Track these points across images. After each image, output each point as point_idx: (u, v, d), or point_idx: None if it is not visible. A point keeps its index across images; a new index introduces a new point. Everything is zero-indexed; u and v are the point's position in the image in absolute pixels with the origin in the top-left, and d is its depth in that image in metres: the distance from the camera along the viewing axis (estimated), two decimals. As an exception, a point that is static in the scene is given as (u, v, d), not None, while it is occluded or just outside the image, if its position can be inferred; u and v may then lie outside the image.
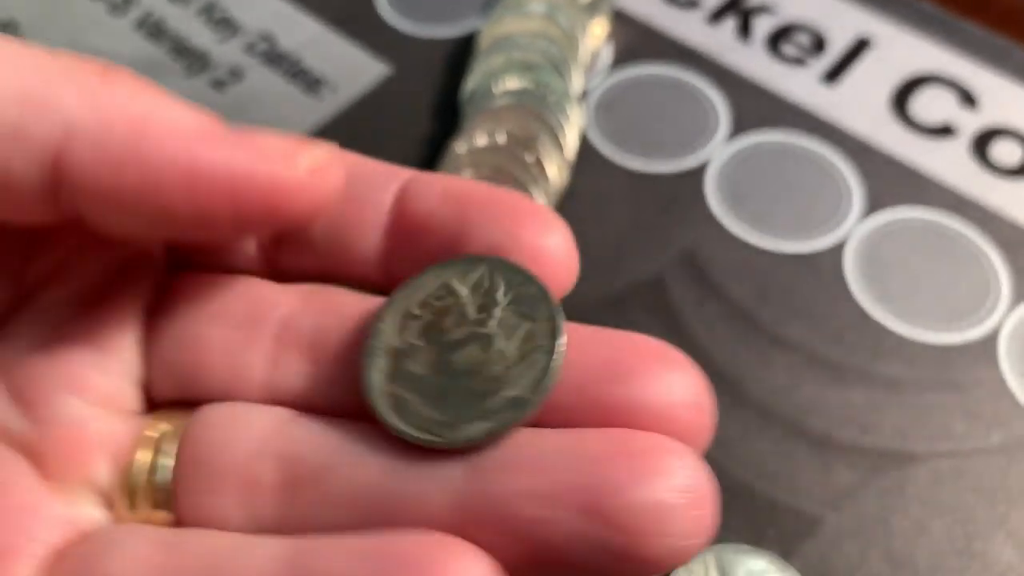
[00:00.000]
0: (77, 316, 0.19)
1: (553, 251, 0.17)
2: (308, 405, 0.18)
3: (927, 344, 0.28)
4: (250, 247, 0.20)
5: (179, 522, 0.17)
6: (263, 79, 0.33)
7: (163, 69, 0.33)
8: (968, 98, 0.33)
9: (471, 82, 0.31)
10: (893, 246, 0.29)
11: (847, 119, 0.32)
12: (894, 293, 0.29)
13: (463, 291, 0.17)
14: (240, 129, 0.17)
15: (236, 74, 0.33)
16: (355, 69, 0.33)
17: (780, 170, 0.31)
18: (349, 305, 0.18)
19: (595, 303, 0.29)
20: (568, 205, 0.30)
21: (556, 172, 0.29)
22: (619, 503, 0.14)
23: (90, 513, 0.18)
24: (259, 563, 0.15)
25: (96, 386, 0.18)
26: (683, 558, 0.14)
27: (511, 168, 0.28)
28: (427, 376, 0.16)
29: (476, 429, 0.15)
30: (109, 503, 0.18)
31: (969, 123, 0.32)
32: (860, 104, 0.33)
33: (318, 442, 0.17)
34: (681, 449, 0.15)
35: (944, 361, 0.27)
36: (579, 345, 0.16)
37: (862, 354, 0.27)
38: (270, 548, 0.15)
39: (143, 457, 0.18)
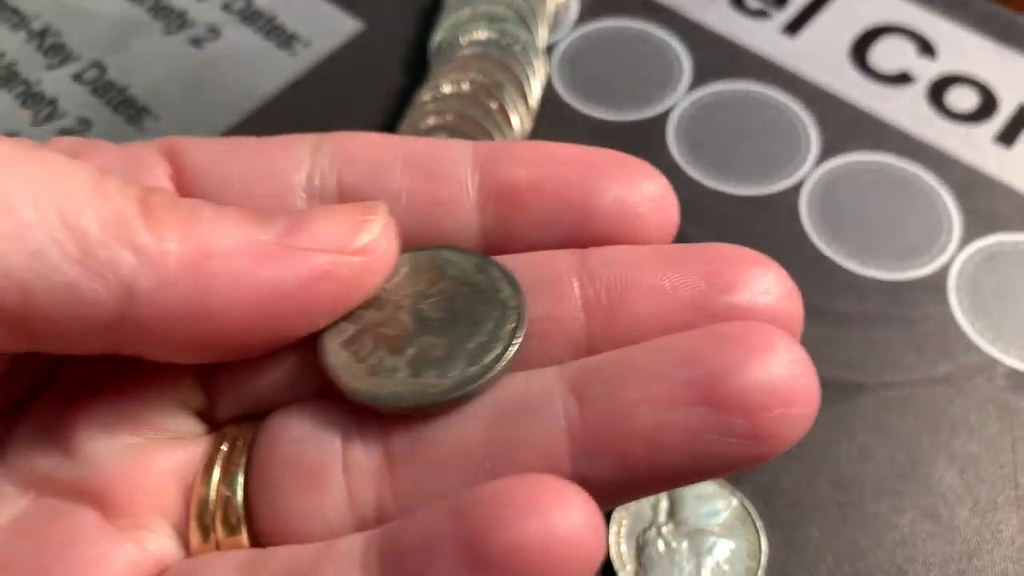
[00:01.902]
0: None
1: (668, 199, 0.18)
2: None
3: (879, 281, 0.29)
4: None
5: (260, 538, 0.17)
6: (239, 36, 0.34)
7: (142, 27, 0.34)
8: (927, 47, 0.33)
9: (439, 34, 0.32)
10: (848, 189, 0.30)
11: (807, 69, 0.33)
12: (848, 233, 0.29)
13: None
14: (293, 220, 0.16)
15: (214, 31, 0.34)
16: (328, 24, 0.34)
17: (740, 118, 0.32)
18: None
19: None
20: (533, 153, 0.31)
21: (519, 119, 0.30)
22: (734, 386, 0.14)
23: (165, 549, 0.17)
24: (346, 552, 0.15)
25: (148, 418, 0.17)
26: (800, 431, 0.14)
27: (474, 114, 0.29)
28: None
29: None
30: (183, 535, 0.17)
31: (927, 71, 0.33)
32: (820, 54, 0.33)
33: (400, 422, 0.16)
34: (775, 328, 0.15)
35: (895, 297, 0.28)
36: (672, 261, 0.16)
37: (815, 291, 0.28)
38: (356, 538, 0.15)
39: (210, 480, 0.17)
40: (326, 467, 0.16)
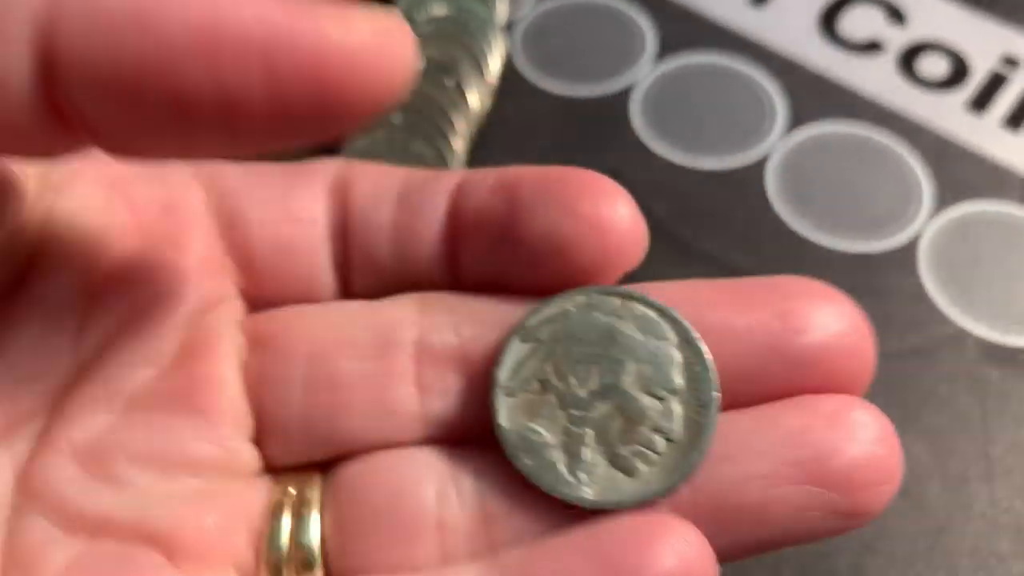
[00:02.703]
0: (159, 380, 0.17)
1: (615, 220, 0.16)
2: (467, 428, 0.16)
3: (847, 253, 0.28)
4: (327, 275, 0.18)
5: None
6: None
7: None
8: (896, 14, 0.33)
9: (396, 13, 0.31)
10: (816, 159, 0.30)
11: (774, 39, 0.32)
12: (815, 205, 0.29)
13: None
14: None
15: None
16: (285, 7, 0.34)
17: (705, 90, 0.31)
18: (479, 310, 0.17)
19: (519, 225, 0.29)
20: (494, 130, 0.30)
21: (476, 96, 0.29)
22: (839, 466, 0.15)
23: None
24: None
25: (205, 455, 0.16)
26: (885, 503, 0.15)
27: (430, 92, 0.28)
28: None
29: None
30: None
31: (896, 39, 0.32)
32: (788, 24, 0.33)
33: (497, 483, 0.16)
34: (869, 405, 0.15)
35: (864, 269, 0.28)
36: (742, 299, 0.16)
37: (781, 264, 0.28)
38: (469, 572, 0.15)
39: (280, 527, 0.16)
40: (420, 523, 0.16)
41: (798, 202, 0.29)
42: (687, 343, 0.16)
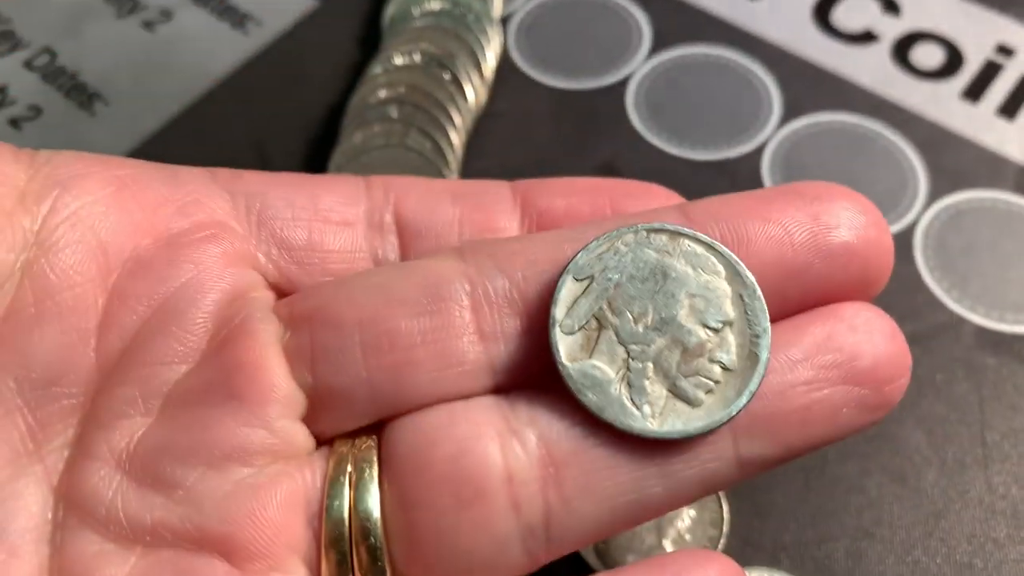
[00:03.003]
0: (194, 375, 0.16)
1: None
2: (530, 370, 0.16)
3: (843, 242, 0.28)
4: (381, 243, 0.18)
5: (406, 563, 0.16)
6: (192, 18, 0.33)
7: (94, 12, 0.34)
8: (891, 5, 0.33)
9: (392, 8, 0.31)
10: (811, 149, 0.30)
11: (769, 31, 0.32)
12: (811, 195, 0.29)
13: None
14: None
15: (166, 14, 0.34)
16: (281, 3, 0.34)
17: (700, 82, 0.31)
18: (520, 248, 0.17)
19: (516, 217, 0.29)
20: (492, 123, 0.30)
21: (473, 90, 0.29)
22: (868, 364, 0.16)
23: None
24: None
25: (252, 441, 0.16)
26: (901, 395, 0.17)
27: (427, 86, 0.28)
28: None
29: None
30: (315, 571, 0.16)
31: (891, 28, 0.32)
32: (782, 16, 0.33)
33: (560, 425, 0.16)
34: (878, 309, 0.17)
35: (860, 258, 0.28)
36: (773, 206, 0.17)
37: (778, 254, 0.28)
38: None
39: (338, 506, 0.16)
40: (487, 479, 0.15)
41: (794, 192, 0.29)
42: (737, 276, 0.16)
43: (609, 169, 0.30)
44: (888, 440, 0.25)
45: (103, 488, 0.15)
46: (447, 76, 0.29)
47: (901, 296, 0.27)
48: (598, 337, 0.16)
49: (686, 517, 0.23)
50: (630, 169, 0.30)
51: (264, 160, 0.30)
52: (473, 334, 0.16)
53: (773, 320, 0.16)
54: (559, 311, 0.16)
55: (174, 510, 0.15)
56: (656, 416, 0.16)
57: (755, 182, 0.29)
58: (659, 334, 0.16)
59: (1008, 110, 0.30)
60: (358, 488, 0.16)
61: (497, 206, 0.18)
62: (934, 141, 0.30)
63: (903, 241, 0.28)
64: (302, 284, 0.18)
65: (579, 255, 0.16)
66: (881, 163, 0.29)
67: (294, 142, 0.30)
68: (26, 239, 0.16)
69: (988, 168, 0.29)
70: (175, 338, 0.16)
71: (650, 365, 0.16)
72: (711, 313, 0.16)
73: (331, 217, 0.18)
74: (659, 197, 0.19)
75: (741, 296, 0.16)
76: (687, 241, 0.16)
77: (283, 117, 0.31)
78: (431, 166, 0.27)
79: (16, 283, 0.16)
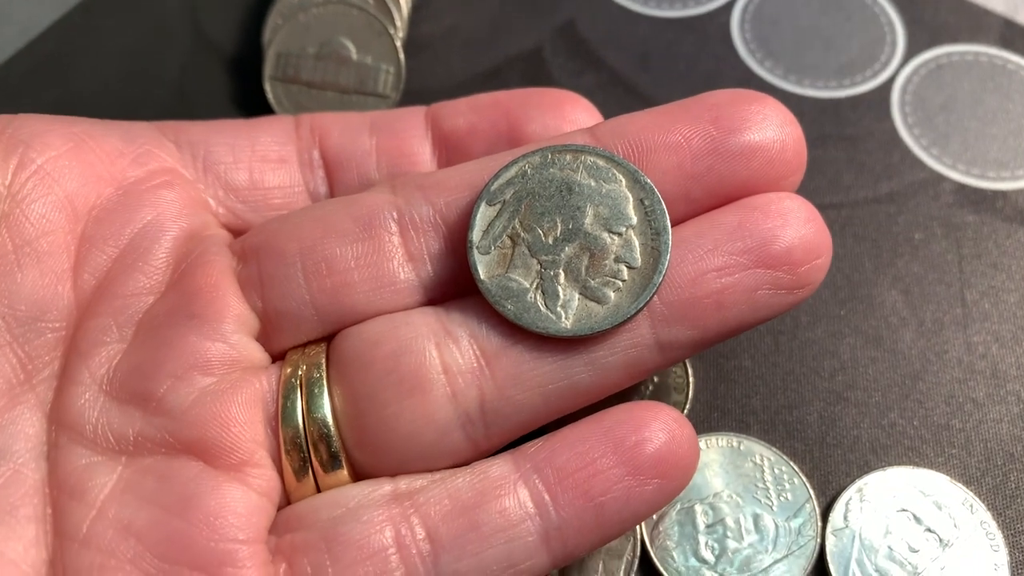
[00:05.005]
0: (160, 303, 0.18)
1: (577, 121, 0.20)
2: (458, 284, 0.18)
3: (817, 99, 0.26)
4: (312, 177, 0.20)
5: (357, 453, 0.17)
6: None
7: None
8: None
9: None
10: (783, 4, 0.28)
11: None
12: (784, 51, 0.27)
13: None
14: None
15: None
16: None
17: (666, -65, 0.29)
18: (443, 179, 0.18)
19: (471, 78, 0.27)
20: (441, -16, 0.28)
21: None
22: (781, 248, 0.17)
23: (271, 483, 0.17)
24: (504, 477, 0.17)
25: (212, 353, 0.17)
26: (823, 274, 0.18)
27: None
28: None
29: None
30: (279, 466, 0.17)
31: None
32: None
33: (488, 326, 0.17)
34: (794, 195, 0.18)
35: (835, 115, 0.26)
36: (677, 118, 0.18)
37: (747, 113, 0.26)
38: (501, 464, 0.17)
39: (294, 406, 0.17)
40: (426, 372, 0.17)
41: (765, 48, 0.27)
42: (636, 182, 0.17)
43: (570, 29, 0.28)
44: (862, 301, 0.23)
45: (88, 410, 0.17)
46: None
47: (877, 154, 0.25)
48: (513, 253, 0.17)
49: (649, 384, 0.22)
50: (592, 30, 0.28)
51: (197, 27, 0.28)
52: (402, 256, 0.18)
53: (686, 219, 0.17)
54: (475, 235, 0.17)
55: (151, 421, 0.17)
56: (569, 317, 0.17)
57: (724, 39, 0.27)
58: (568, 243, 0.17)
59: (992, -39, 0.28)
60: (310, 386, 0.17)
61: (410, 132, 0.20)
62: (913, -6, 0.28)
63: (880, 97, 0.26)
64: (250, 220, 0.20)
65: (491, 182, 0.18)
66: (857, 17, 0.28)
67: (229, 3, 0.28)
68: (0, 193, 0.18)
69: (970, 21, 0.27)
70: (142, 272, 0.18)
71: (561, 272, 0.17)
72: (614, 219, 0.17)
73: (268, 156, 0.20)
74: (566, 103, 0.20)
75: (642, 200, 0.17)
76: (589, 157, 0.18)
77: (216, -21, 0.28)
78: (374, 23, 0.25)
79: None
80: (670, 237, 0.17)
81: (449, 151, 0.20)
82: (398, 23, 0.26)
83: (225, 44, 0.28)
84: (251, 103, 0.26)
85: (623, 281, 0.17)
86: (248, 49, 0.27)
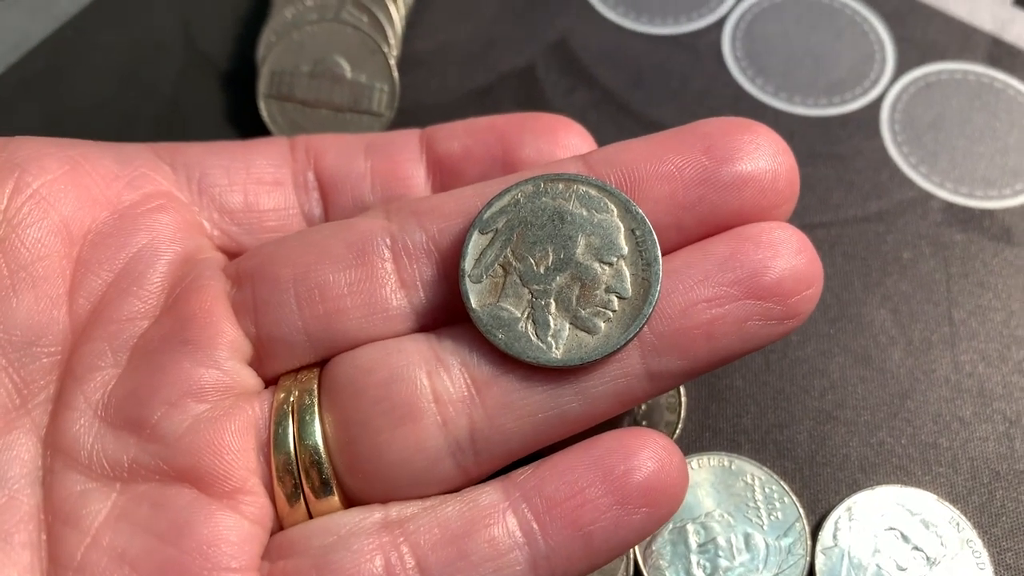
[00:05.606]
0: (154, 328, 0.18)
1: (571, 148, 0.20)
2: (449, 311, 0.18)
3: (807, 117, 0.27)
4: (307, 199, 0.20)
5: (347, 478, 0.17)
6: None
7: None
8: None
9: None
10: (774, 22, 0.28)
11: None
12: (774, 69, 0.27)
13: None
14: None
15: None
16: None
17: (658, -48, 0.29)
18: (437, 205, 0.18)
19: (464, 95, 0.27)
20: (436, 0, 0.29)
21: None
22: (771, 279, 0.17)
23: (264, 511, 0.17)
24: (492, 506, 0.17)
25: (206, 380, 0.17)
26: (814, 304, 0.18)
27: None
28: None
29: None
30: (271, 493, 0.17)
31: None
32: None
33: (479, 354, 0.17)
34: (785, 224, 0.18)
35: (824, 133, 0.26)
36: (669, 147, 0.18)
37: (739, 131, 0.26)
38: (490, 491, 0.17)
39: (285, 432, 0.17)
40: (417, 400, 0.17)
41: (756, 66, 0.27)
42: (627, 212, 0.17)
43: (563, 47, 0.28)
44: (852, 320, 0.24)
45: (83, 435, 0.17)
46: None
47: (867, 172, 0.26)
48: (504, 282, 0.18)
49: (642, 404, 0.22)
50: (585, 46, 0.28)
51: (190, 44, 0.28)
52: (395, 283, 0.18)
53: (678, 248, 0.18)
54: (467, 263, 0.18)
55: (146, 448, 0.17)
56: (560, 347, 0.17)
57: (716, 57, 0.27)
58: (559, 273, 0.17)
59: (980, -22, 0.29)
60: (302, 412, 0.17)
61: (404, 155, 0.20)
62: (902, 11, 0.28)
63: (869, 116, 0.27)
64: (245, 242, 0.20)
65: (484, 210, 0.18)
66: (847, 35, 0.28)
67: (222, 20, 0.28)
68: None
69: (958, 39, 0.28)
70: (136, 297, 0.18)
71: (552, 302, 0.17)
72: (605, 248, 0.17)
73: (263, 178, 0.20)
74: (560, 128, 0.20)
75: (633, 231, 0.17)
76: (581, 186, 0.18)
77: (210, -6, 0.29)
78: (368, 42, 0.25)
79: None
80: (660, 268, 0.17)
81: (443, 174, 0.20)
82: (392, 41, 0.26)
83: (219, 61, 0.28)
84: (245, 120, 0.27)
85: (613, 311, 0.17)
86: (242, 66, 0.27)
